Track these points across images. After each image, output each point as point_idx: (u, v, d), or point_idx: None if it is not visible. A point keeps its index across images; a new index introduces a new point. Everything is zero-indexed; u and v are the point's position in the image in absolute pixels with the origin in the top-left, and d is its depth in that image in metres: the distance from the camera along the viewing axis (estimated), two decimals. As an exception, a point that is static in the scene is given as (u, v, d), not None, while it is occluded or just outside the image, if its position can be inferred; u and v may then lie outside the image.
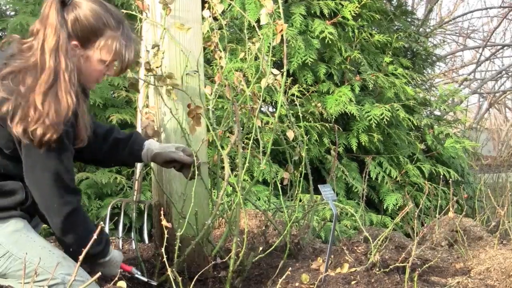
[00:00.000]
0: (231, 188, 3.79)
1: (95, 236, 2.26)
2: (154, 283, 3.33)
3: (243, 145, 3.58)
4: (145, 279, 3.36)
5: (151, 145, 3.40)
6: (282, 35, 3.59)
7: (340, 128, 6.25)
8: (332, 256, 3.65)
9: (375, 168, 6.45)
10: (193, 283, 2.75)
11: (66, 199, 2.88)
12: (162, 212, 3.16)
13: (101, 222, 2.45)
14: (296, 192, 4.12)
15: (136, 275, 3.36)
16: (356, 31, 6.73)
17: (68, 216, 2.89)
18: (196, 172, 3.39)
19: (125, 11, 3.58)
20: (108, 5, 3.01)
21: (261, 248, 3.63)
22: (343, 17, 6.66)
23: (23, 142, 2.77)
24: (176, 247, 3.08)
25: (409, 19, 8.51)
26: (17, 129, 2.72)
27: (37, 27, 2.88)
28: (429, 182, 6.35)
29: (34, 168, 2.84)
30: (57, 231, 2.93)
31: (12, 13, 6.53)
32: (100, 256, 3.09)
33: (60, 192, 2.87)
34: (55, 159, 2.83)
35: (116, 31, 2.97)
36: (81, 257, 2.23)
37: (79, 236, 2.91)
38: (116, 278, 2.61)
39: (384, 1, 7.65)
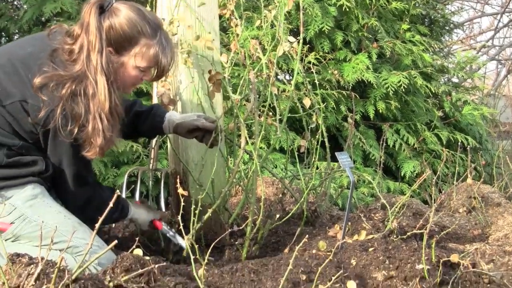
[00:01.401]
0: (248, 156, 3.79)
1: (110, 205, 2.26)
2: (183, 244, 3.37)
3: (259, 113, 3.56)
4: (176, 241, 3.45)
5: (172, 116, 3.43)
6: (298, 3, 3.55)
7: (357, 96, 6.23)
8: (349, 223, 3.64)
9: (392, 135, 6.43)
10: (209, 250, 2.75)
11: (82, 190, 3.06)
12: (178, 180, 3.16)
13: (117, 190, 2.44)
14: (313, 159, 4.11)
15: (168, 235, 3.47)
16: (373, -2, 6.68)
17: (85, 202, 3.05)
18: (219, 138, 3.41)
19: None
20: (147, 12, 3.02)
21: (278, 216, 3.63)
22: (360, -16, 6.61)
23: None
24: (196, 216, 3.07)
25: (427, -14, 8.43)
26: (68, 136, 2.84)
27: (77, 32, 2.92)
28: (447, 149, 6.33)
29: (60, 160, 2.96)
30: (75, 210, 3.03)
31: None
32: (119, 219, 3.29)
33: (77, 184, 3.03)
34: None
35: (152, 39, 2.98)
36: (97, 225, 2.24)
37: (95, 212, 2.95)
38: (134, 246, 2.61)
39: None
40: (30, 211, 2.89)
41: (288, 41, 3.66)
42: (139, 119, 3.42)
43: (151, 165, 3.73)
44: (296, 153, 4.20)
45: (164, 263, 2.73)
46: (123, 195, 3.54)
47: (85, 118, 2.81)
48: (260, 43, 3.81)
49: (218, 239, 3.02)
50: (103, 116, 2.84)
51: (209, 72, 3.50)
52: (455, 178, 5.29)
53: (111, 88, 2.88)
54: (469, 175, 5.26)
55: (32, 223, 2.87)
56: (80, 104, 2.81)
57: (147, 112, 3.43)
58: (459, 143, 6.51)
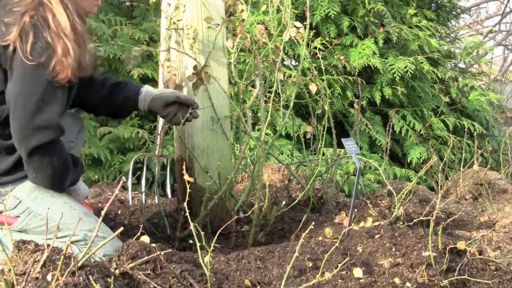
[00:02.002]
0: (254, 142, 3.78)
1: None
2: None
3: (265, 98, 3.55)
4: None
5: (149, 89, 3.42)
6: (305, -13, 3.53)
7: (364, 81, 6.20)
8: (355, 210, 3.64)
9: (398, 121, 6.42)
10: (215, 237, 2.75)
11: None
12: (184, 167, 3.15)
13: (124, 177, 2.43)
14: (319, 146, 4.10)
15: None
16: (379, -18, 6.65)
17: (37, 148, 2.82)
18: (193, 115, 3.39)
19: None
20: None
21: (284, 202, 3.62)
22: (367, -32, 6.57)
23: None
24: (203, 203, 3.07)
25: (433, -30, 8.39)
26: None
27: None
28: (454, 135, 6.32)
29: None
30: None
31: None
32: (72, 183, 3.10)
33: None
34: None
35: None
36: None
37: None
38: (139, 233, 2.61)
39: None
40: (34, 205, 2.88)
41: (295, 26, 3.64)
42: (116, 90, 3.38)
43: (157, 151, 3.72)
44: (302, 139, 4.20)
45: (170, 250, 2.73)
46: (129, 182, 3.52)
47: (52, 42, 2.77)
48: (266, 29, 3.79)
49: (224, 226, 3.01)
50: (69, 35, 2.80)
51: (194, 68, 3.47)
52: (461, 165, 5.28)
53: (68, 9, 2.84)
54: (475, 162, 5.26)
55: (38, 217, 2.86)
56: (44, 31, 2.77)
57: (123, 84, 3.41)
58: (465, 129, 6.50)
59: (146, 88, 3.40)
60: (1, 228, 2.88)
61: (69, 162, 2.92)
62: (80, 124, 3.49)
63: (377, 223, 3.36)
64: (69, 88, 2.92)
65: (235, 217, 3.32)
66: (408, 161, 6.32)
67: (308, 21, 3.60)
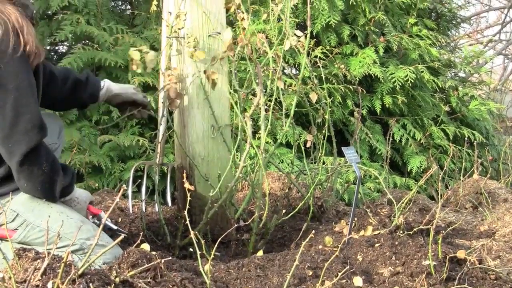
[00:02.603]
0: (254, 150, 3.78)
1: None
2: (124, 234, 3.26)
3: (266, 107, 3.56)
4: (114, 227, 3.28)
5: (111, 86, 3.48)
6: (306, -4, 3.54)
7: (364, 90, 6.21)
8: (355, 219, 3.64)
9: (399, 130, 6.43)
10: (216, 245, 2.75)
11: None
12: (185, 175, 3.16)
13: (124, 185, 2.44)
14: (320, 154, 4.11)
15: (106, 222, 3.25)
16: (380, -8, 6.66)
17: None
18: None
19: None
20: None
21: (284, 211, 3.62)
22: (367, -22, 6.59)
23: None
24: (204, 211, 3.07)
25: (434, -20, 8.41)
26: None
27: None
28: (454, 144, 6.33)
29: None
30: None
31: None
32: (66, 191, 3.02)
33: None
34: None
35: None
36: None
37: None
38: (139, 241, 2.61)
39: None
40: (32, 216, 2.85)
41: (295, 35, 3.65)
42: (79, 87, 3.39)
43: (157, 159, 3.72)
44: (302, 148, 4.20)
45: (171, 258, 2.73)
46: (130, 190, 3.53)
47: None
48: (266, 37, 3.80)
49: (224, 234, 3.02)
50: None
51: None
52: (461, 174, 5.28)
53: None
54: (475, 171, 5.26)
55: (36, 229, 2.84)
56: None
57: (85, 80, 3.41)
58: (465, 138, 6.50)
59: (108, 85, 3.48)
60: (1, 240, 2.88)
61: (56, 165, 2.88)
62: (59, 123, 3.49)
63: (377, 232, 3.36)
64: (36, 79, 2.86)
65: (235, 225, 3.33)
66: (408, 170, 6.32)
67: (308, 30, 3.61)
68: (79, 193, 3.13)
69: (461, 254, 2.95)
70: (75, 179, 3.03)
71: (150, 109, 3.52)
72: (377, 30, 6.65)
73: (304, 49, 3.66)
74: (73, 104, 3.54)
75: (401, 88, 6.43)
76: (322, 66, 5.10)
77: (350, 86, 6.18)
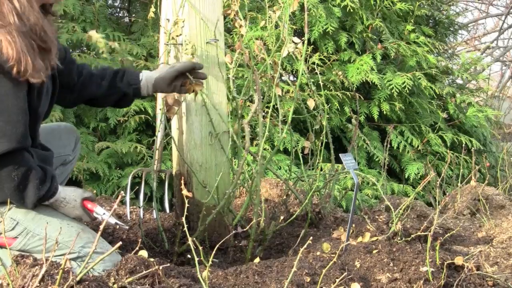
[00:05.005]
0: (252, 157, 3.79)
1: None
2: (126, 227, 3.20)
3: (263, 114, 3.56)
4: (113, 221, 3.04)
5: (149, 74, 3.37)
6: (303, 3, 3.55)
7: (361, 97, 6.23)
8: (353, 225, 3.64)
9: (396, 137, 6.43)
10: (214, 252, 2.75)
11: None
12: (182, 182, 3.16)
13: (122, 192, 2.43)
14: (317, 161, 4.11)
15: (104, 215, 3.02)
16: (377, -1, 6.68)
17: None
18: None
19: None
20: None
21: (282, 217, 3.63)
22: (365, -15, 6.61)
23: None
24: (201, 217, 3.07)
25: (431, -13, 8.43)
26: None
27: None
28: (451, 151, 6.33)
29: None
30: None
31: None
32: (47, 195, 2.89)
33: None
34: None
35: None
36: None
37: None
38: (137, 248, 2.61)
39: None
40: (32, 224, 2.83)
41: (293, 42, 3.65)
42: (116, 78, 3.34)
43: (155, 166, 3.73)
44: (300, 155, 4.20)
45: (168, 265, 2.73)
46: (127, 197, 3.52)
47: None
48: (264, 44, 3.80)
49: (222, 241, 3.01)
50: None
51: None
52: (459, 180, 5.28)
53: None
54: (473, 177, 5.26)
55: (36, 237, 2.82)
56: None
57: (122, 71, 3.37)
58: (463, 145, 6.51)
59: (145, 74, 3.37)
60: (1, 248, 2.87)
61: (30, 174, 2.76)
62: (76, 135, 3.47)
63: (375, 238, 3.36)
64: (39, 91, 2.80)
65: (233, 232, 3.33)
66: (406, 176, 6.33)
67: (306, 37, 3.62)
68: (66, 193, 2.99)
69: (458, 260, 2.95)
70: (55, 182, 2.91)
71: (200, 67, 3.38)
72: (375, 37, 6.67)
73: (301, 56, 3.67)
74: (114, 96, 3.40)
75: (399, 95, 6.44)
76: (320, 73, 5.11)
77: (348, 93, 6.19)
